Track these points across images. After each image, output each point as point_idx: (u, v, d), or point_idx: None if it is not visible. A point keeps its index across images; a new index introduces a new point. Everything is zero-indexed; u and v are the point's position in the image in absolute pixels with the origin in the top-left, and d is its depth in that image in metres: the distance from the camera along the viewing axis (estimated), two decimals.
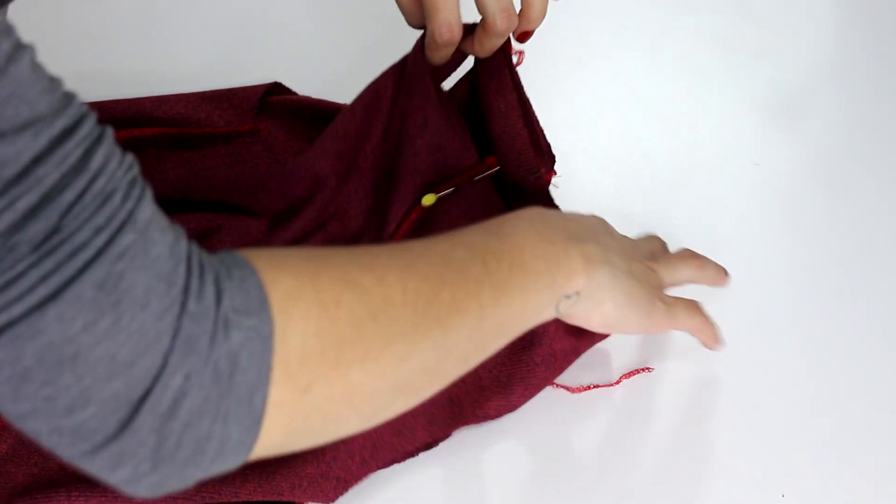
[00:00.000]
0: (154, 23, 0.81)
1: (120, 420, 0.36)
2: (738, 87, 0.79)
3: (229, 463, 0.39)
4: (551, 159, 0.66)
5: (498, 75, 0.62)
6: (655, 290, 0.57)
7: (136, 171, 0.38)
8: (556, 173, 0.67)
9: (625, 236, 0.60)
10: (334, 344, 0.40)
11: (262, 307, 0.39)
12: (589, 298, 0.52)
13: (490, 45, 0.59)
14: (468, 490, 0.58)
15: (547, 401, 0.61)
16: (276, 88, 0.73)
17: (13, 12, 0.41)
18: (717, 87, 0.79)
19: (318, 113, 0.71)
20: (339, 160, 0.63)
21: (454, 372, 0.47)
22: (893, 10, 0.86)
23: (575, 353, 0.62)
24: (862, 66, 0.82)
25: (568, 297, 0.51)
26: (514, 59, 0.64)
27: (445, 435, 0.59)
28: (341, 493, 0.55)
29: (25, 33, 0.36)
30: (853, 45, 0.84)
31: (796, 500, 0.58)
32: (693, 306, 0.60)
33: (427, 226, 0.64)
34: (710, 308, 0.60)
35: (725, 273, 0.63)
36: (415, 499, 0.57)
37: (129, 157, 0.38)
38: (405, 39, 0.61)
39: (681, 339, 0.64)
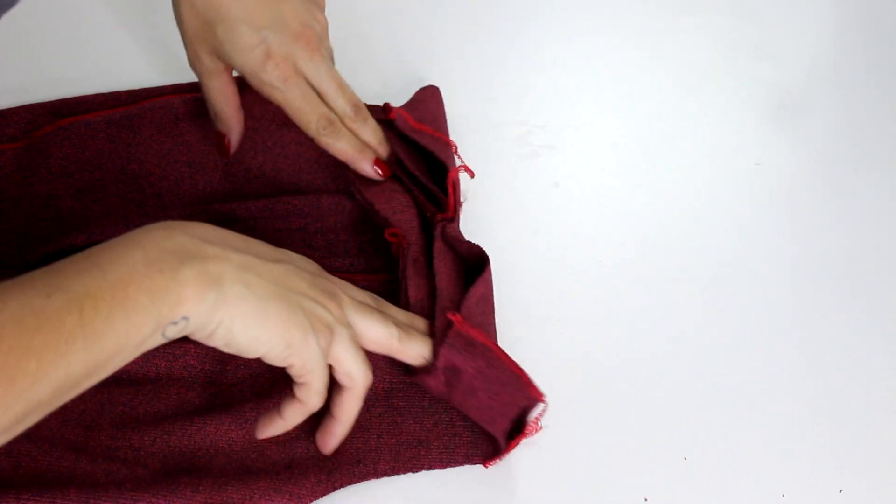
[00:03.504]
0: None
1: None
2: (738, 87, 0.79)
3: None
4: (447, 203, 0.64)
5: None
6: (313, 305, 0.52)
7: None
8: (453, 211, 0.64)
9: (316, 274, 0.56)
10: None
11: None
12: (207, 321, 0.48)
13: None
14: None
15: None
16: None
17: (14, 12, 0.41)
18: (717, 87, 0.79)
19: None
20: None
21: (31, 421, 0.44)
22: (893, 11, 0.86)
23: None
24: (862, 66, 0.82)
25: (175, 322, 0.47)
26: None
27: (411, 471, 0.58)
28: None
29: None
30: (853, 45, 0.84)
31: (796, 500, 0.58)
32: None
33: None
34: (708, 307, 0.60)
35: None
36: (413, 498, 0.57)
37: None
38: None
39: (679, 341, 0.64)
